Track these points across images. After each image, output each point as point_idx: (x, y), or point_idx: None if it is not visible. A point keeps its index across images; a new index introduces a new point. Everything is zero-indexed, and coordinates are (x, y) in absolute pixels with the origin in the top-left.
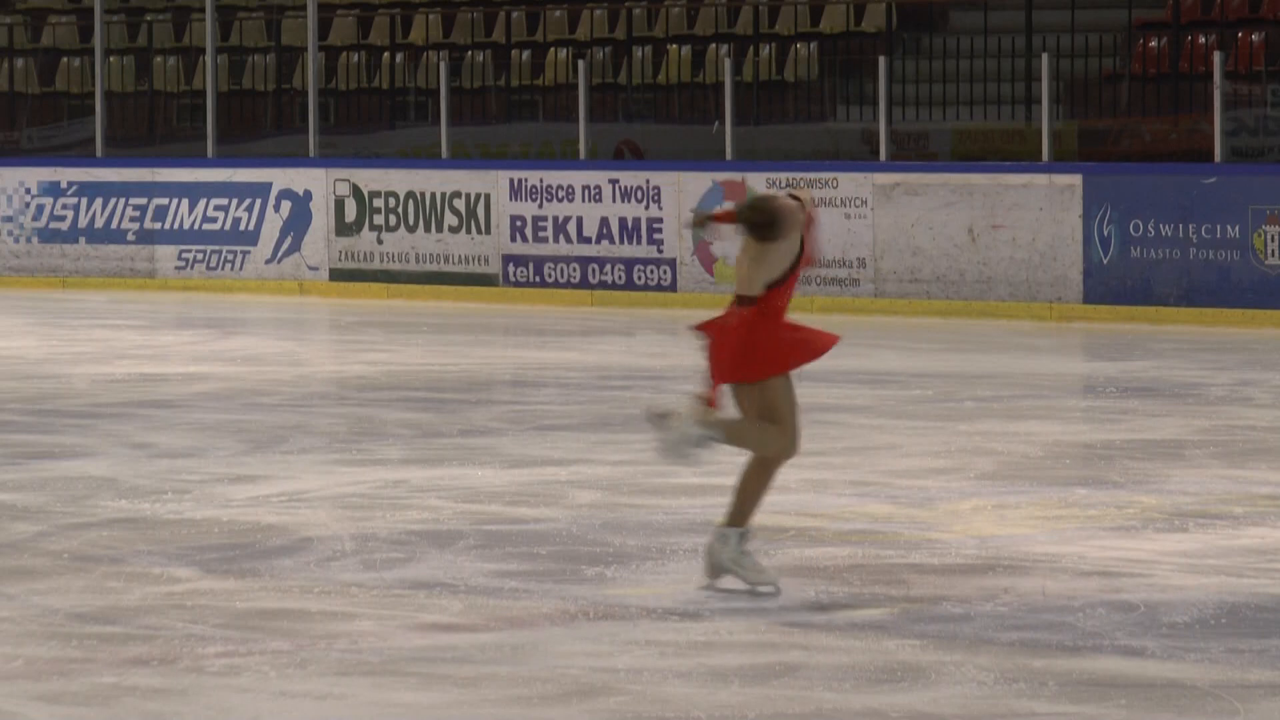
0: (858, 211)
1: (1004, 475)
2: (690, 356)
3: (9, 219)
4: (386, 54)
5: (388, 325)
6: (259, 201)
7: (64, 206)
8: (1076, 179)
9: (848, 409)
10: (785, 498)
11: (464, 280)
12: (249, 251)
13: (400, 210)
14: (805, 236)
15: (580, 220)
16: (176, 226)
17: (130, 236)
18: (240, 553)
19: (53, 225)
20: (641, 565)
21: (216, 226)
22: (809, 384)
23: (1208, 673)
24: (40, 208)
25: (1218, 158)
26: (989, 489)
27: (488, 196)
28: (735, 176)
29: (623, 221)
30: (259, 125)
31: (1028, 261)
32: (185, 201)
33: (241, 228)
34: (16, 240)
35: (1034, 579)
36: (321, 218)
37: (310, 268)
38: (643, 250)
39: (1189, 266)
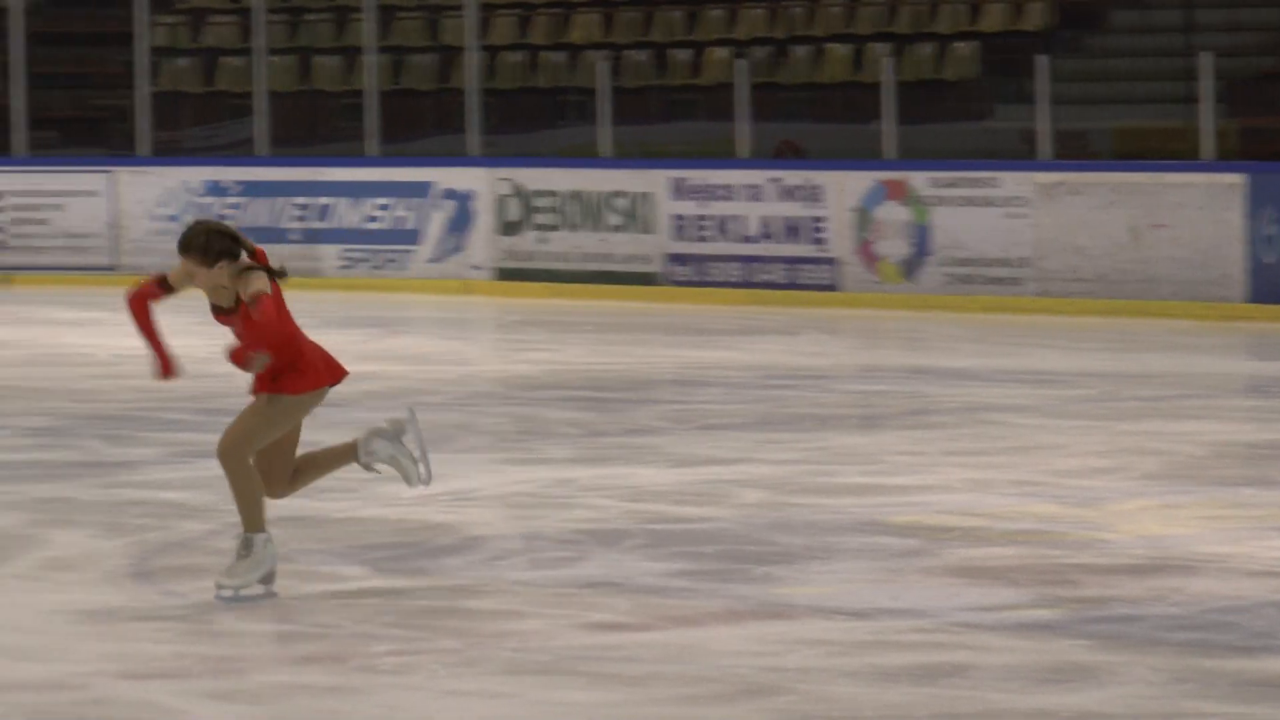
0: (1019, 211)
1: (1169, 475)
2: (851, 355)
3: (174, 218)
4: (546, 53)
5: (550, 324)
6: (421, 201)
7: (227, 206)
8: (1240, 178)
9: (1010, 408)
10: (950, 497)
11: (626, 279)
12: (412, 251)
13: (562, 209)
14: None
15: (741, 219)
16: (339, 225)
17: (294, 236)
18: (408, 551)
19: None
20: (808, 565)
21: (379, 226)
22: (971, 383)
23: None
24: (204, 208)
25: None
26: (1154, 489)
27: (649, 196)
28: (896, 176)
29: (784, 220)
30: (420, 124)
31: (1190, 261)
32: (348, 201)
33: (404, 227)
34: None
35: (1203, 579)
36: (484, 217)
37: (474, 267)
38: (804, 249)
39: None
